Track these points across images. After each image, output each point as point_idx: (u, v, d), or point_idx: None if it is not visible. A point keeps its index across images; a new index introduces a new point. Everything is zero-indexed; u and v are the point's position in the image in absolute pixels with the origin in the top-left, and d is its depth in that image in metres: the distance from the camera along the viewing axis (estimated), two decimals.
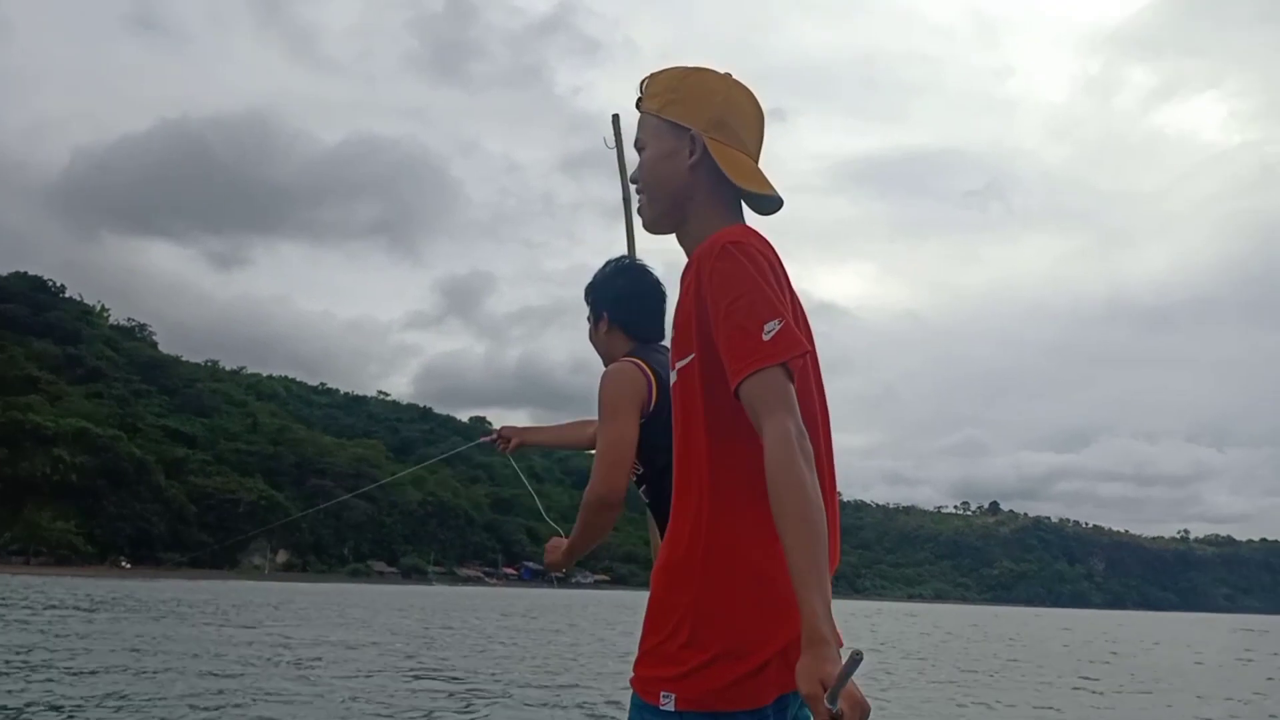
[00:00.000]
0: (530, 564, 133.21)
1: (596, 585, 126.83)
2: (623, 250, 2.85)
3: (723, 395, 1.45)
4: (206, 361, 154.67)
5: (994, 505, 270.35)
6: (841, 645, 1.26)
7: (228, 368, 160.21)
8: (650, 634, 1.51)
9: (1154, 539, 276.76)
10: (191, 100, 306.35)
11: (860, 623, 40.56)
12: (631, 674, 1.55)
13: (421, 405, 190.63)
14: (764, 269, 1.47)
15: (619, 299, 2.55)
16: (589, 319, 2.61)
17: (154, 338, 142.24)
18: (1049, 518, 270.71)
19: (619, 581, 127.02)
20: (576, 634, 24.77)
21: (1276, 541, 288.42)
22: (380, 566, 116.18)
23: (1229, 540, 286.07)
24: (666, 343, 2.37)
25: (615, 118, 3.20)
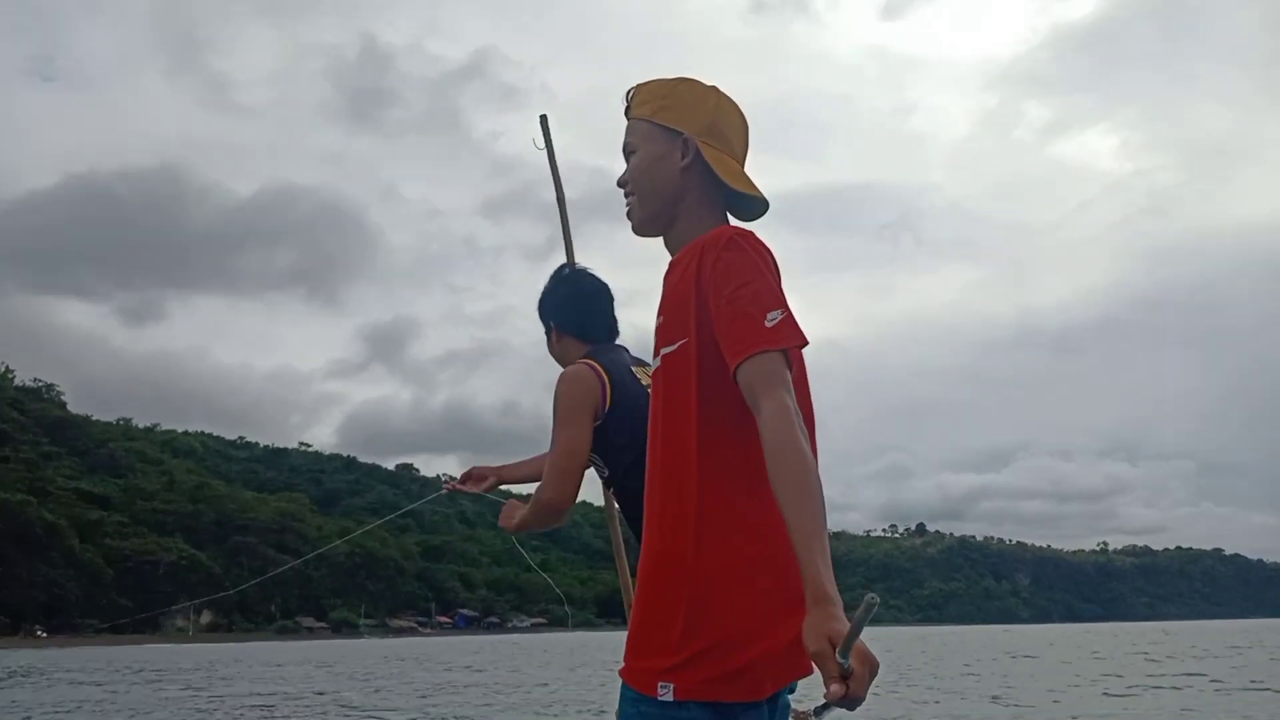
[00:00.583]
0: (465, 611, 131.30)
1: (534, 629, 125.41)
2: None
3: (717, 383, 1.46)
4: (119, 420, 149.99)
5: (920, 527, 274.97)
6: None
7: (141, 425, 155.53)
8: (643, 624, 1.50)
9: (1075, 552, 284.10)
10: (99, 152, 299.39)
11: None
12: (621, 665, 1.53)
13: (345, 455, 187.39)
14: (769, 263, 1.52)
15: (563, 307, 2.59)
16: (545, 334, 2.66)
17: (62, 397, 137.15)
18: (974, 536, 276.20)
19: (556, 623, 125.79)
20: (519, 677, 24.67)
21: (1191, 549, 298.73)
22: (309, 622, 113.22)
23: (1146, 550, 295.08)
24: (622, 341, 2.59)
25: (543, 118, 3.19)
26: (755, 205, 1.69)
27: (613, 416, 2.32)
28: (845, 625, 1.21)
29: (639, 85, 1.73)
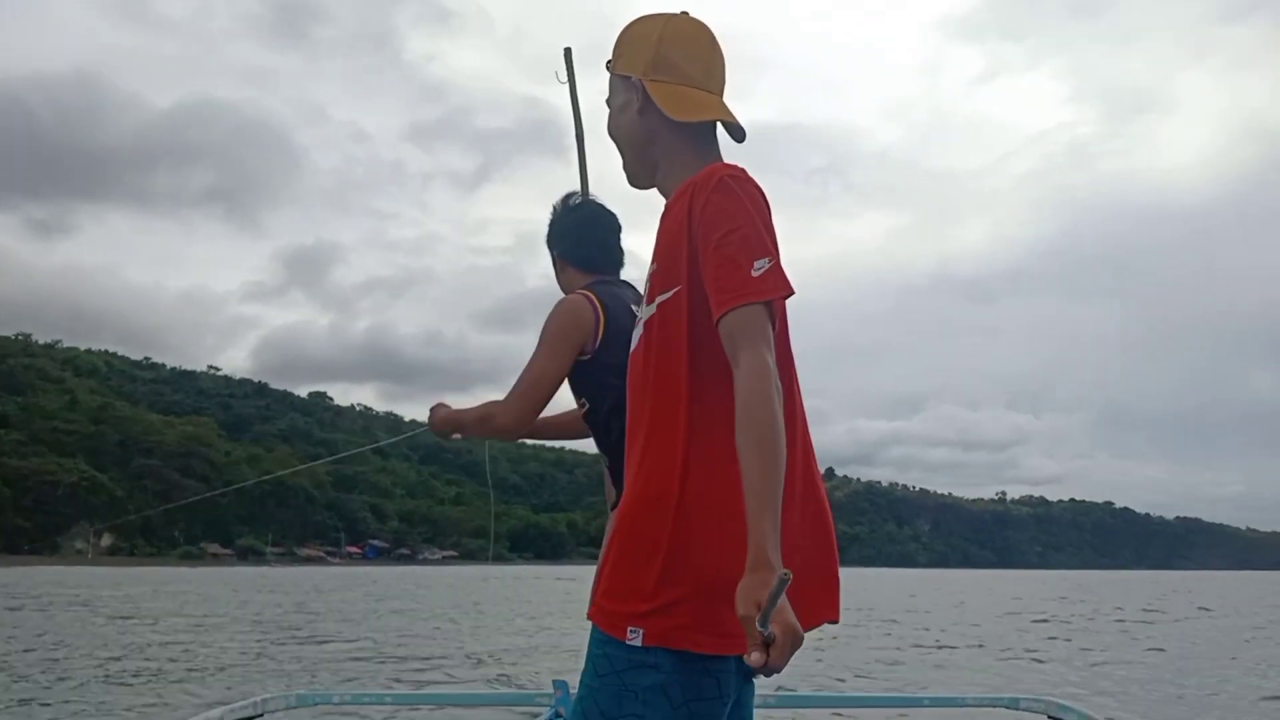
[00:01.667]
0: (375, 542, 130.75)
1: (445, 561, 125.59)
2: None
3: (710, 330, 1.44)
4: (17, 335, 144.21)
5: (829, 471, 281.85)
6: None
7: (41, 341, 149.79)
8: (619, 566, 1.47)
9: (975, 501, 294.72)
10: (10, 57, 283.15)
11: None
12: (592, 606, 1.52)
13: (256, 380, 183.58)
14: (760, 205, 1.47)
15: (567, 235, 2.54)
16: (551, 262, 2.61)
17: None
18: (880, 482, 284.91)
19: (467, 556, 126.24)
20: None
21: (1084, 501, 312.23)
22: (214, 548, 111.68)
23: (1042, 501, 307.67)
24: (625, 275, 2.55)
25: (567, 51, 3.13)
26: (733, 127, 1.63)
27: (602, 352, 2.27)
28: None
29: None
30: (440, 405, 2.51)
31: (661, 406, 1.50)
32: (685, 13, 1.67)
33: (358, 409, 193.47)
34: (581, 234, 2.53)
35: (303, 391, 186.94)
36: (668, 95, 1.59)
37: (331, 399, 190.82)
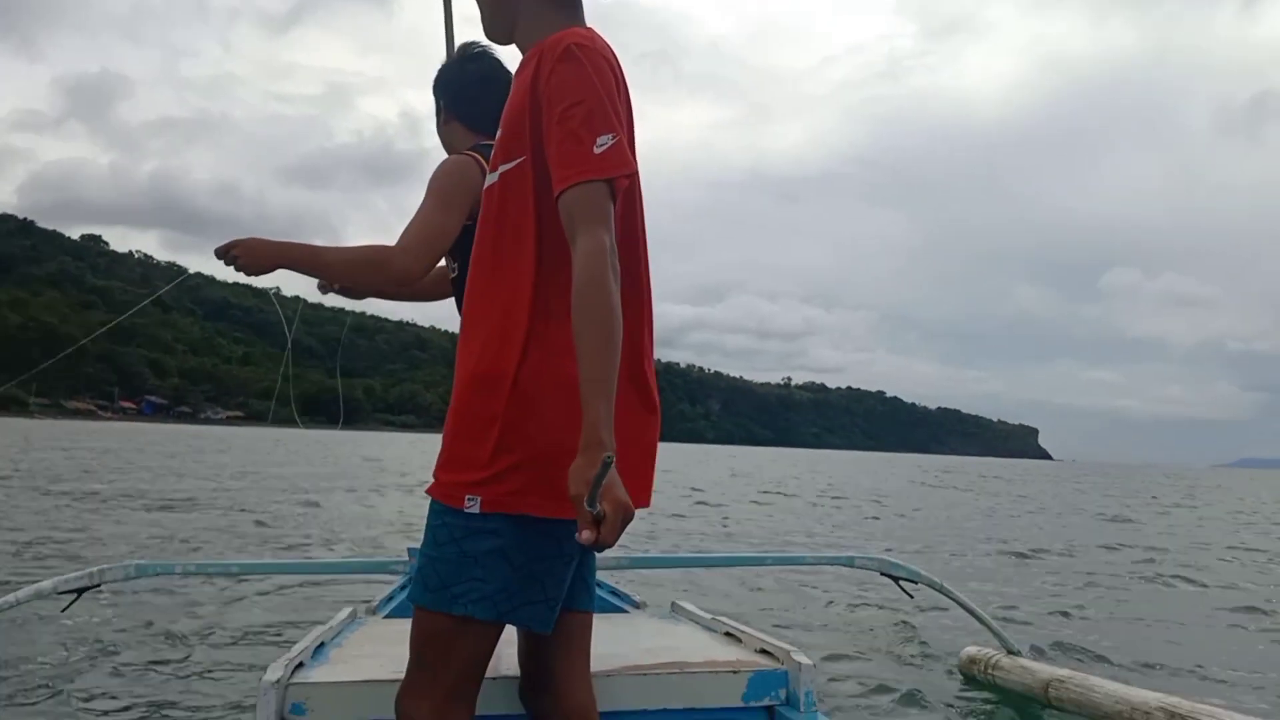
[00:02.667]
0: (152, 398, 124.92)
1: (229, 421, 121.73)
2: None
3: (555, 206, 1.41)
4: None
5: None
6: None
7: None
8: (455, 440, 1.49)
9: (763, 385, 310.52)
10: None
11: None
12: (431, 481, 1.52)
13: (21, 216, 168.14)
14: (607, 78, 1.43)
15: (456, 88, 2.37)
16: (435, 112, 2.43)
17: None
18: (679, 364, 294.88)
19: (255, 418, 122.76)
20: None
21: (859, 390, 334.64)
22: None
23: (822, 387, 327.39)
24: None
25: None
26: None
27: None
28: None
29: None
30: (256, 239, 2.02)
31: (501, 282, 1.49)
32: None
33: (136, 256, 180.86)
34: (475, 91, 2.33)
35: (74, 233, 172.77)
36: None
37: (107, 243, 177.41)
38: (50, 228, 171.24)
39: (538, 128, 1.45)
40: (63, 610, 2.85)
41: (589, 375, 1.30)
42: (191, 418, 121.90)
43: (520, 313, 1.46)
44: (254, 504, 12.90)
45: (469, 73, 2.32)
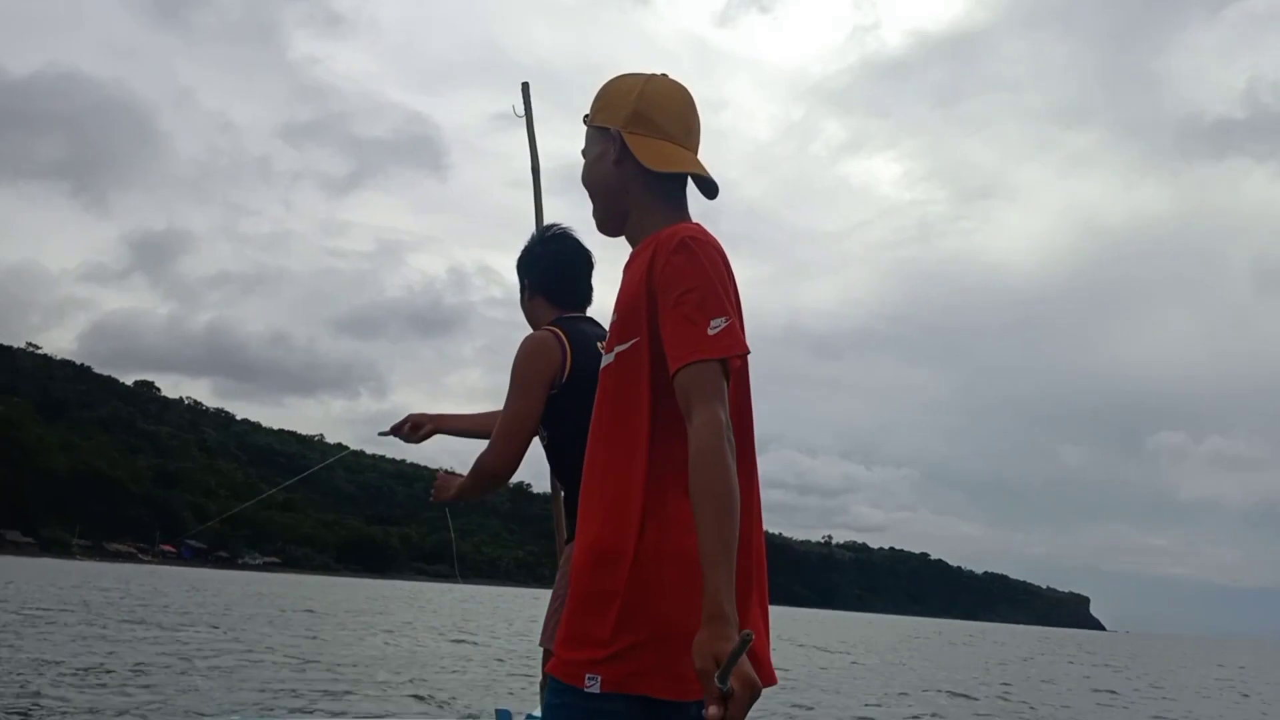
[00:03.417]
0: (193, 542, 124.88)
1: (266, 567, 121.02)
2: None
3: (669, 385, 1.47)
4: None
5: None
6: (742, 628, 1.26)
7: None
8: (576, 617, 1.49)
9: (803, 542, 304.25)
10: None
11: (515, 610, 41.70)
12: (551, 658, 1.52)
13: (78, 363, 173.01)
14: (719, 268, 1.52)
15: (539, 266, 2.56)
16: (519, 291, 2.63)
17: None
18: None
19: (291, 564, 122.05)
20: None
21: (903, 550, 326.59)
22: (14, 536, 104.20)
23: (864, 547, 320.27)
24: (592, 313, 2.59)
25: (525, 86, 3.16)
26: (706, 183, 1.69)
27: (569, 387, 2.32)
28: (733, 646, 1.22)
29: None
30: (448, 474, 2.58)
31: (618, 456, 1.52)
32: (665, 74, 1.73)
33: (186, 402, 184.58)
34: (555, 268, 2.54)
35: (129, 380, 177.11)
36: (645, 147, 1.64)
37: (159, 389, 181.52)
38: (106, 373, 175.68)
39: (653, 312, 1.51)
40: None
41: (708, 545, 1.31)
42: (230, 562, 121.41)
43: (636, 488, 1.48)
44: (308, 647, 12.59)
45: (552, 252, 2.55)
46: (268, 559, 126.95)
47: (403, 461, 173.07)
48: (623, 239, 1.73)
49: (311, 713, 7.52)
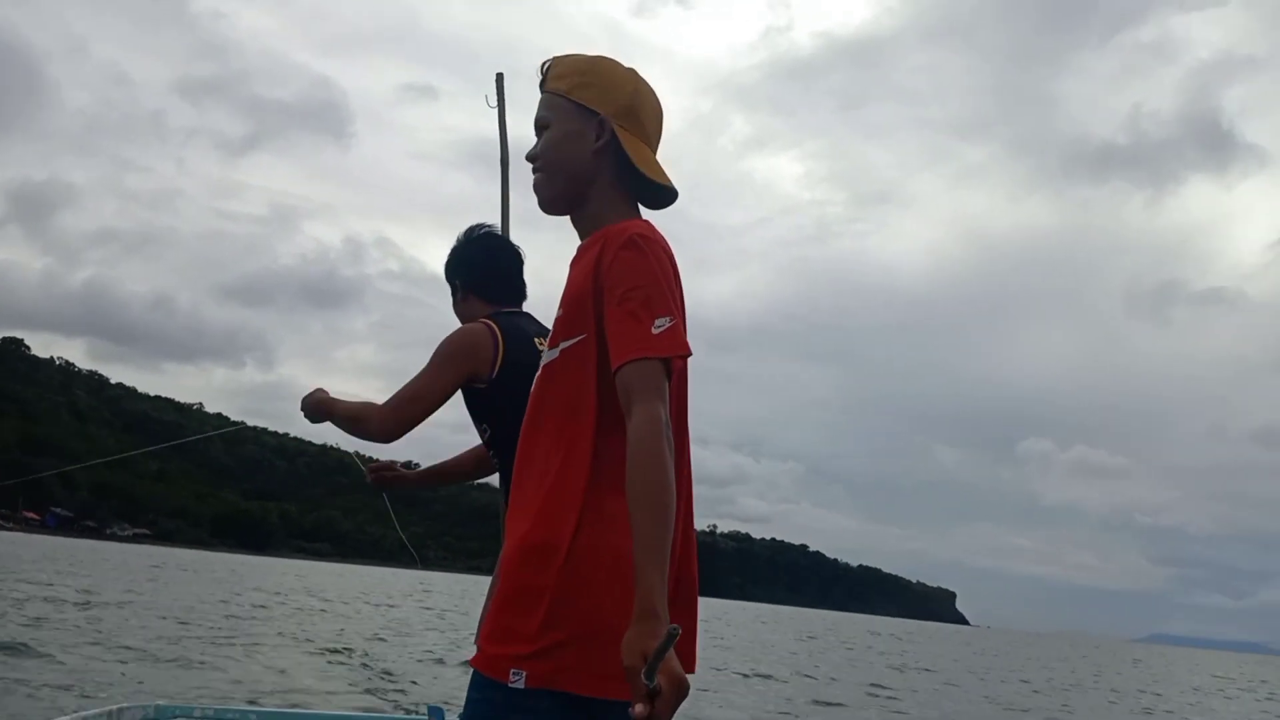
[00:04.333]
0: (59, 510, 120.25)
1: (136, 539, 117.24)
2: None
3: (614, 383, 1.45)
4: None
5: None
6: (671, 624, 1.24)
7: None
8: (503, 612, 1.47)
9: None
10: None
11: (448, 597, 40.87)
12: (475, 653, 1.53)
13: None
14: (666, 267, 1.51)
15: (470, 266, 2.54)
16: (451, 292, 2.60)
17: None
18: None
19: (163, 537, 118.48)
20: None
21: (783, 542, 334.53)
22: None
23: (747, 537, 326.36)
24: (528, 308, 2.57)
25: (499, 77, 3.09)
26: (665, 195, 1.67)
27: (501, 381, 2.28)
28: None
29: (556, 58, 1.68)
30: (319, 389, 2.49)
31: (559, 453, 1.51)
32: (635, 70, 1.69)
33: (58, 363, 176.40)
34: (487, 263, 2.53)
35: None
36: (636, 149, 1.62)
37: (29, 348, 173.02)
38: None
39: (599, 308, 1.50)
40: None
41: (643, 544, 1.30)
42: (97, 533, 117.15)
43: (576, 484, 1.47)
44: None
45: (480, 249, 2.56)
46: (138, 529, 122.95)
47: (285, 435, 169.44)
48: (562, 222, 1.69)
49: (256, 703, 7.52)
